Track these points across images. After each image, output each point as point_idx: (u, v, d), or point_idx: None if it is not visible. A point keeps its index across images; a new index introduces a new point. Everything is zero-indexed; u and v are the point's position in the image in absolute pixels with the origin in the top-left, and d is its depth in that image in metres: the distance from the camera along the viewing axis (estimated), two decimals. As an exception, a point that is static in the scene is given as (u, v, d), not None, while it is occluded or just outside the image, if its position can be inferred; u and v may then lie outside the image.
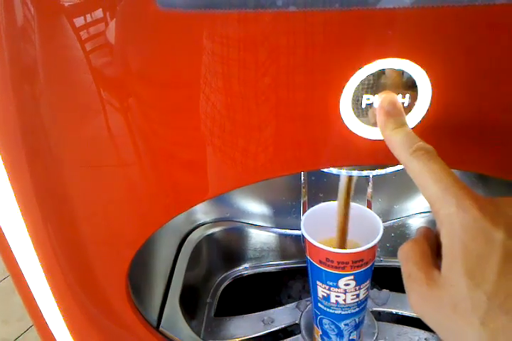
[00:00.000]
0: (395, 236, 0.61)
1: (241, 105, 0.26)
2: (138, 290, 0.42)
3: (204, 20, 0.24)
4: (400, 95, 0.26)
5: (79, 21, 0.25)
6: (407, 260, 0.25)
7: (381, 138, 0.27)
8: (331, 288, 0.40)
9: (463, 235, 0.22)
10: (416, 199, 0.61)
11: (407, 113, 0.26)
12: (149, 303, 0.46)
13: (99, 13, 0.24)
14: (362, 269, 0.38)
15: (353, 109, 0.26)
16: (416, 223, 0.62)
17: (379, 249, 0.60)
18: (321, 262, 0.38)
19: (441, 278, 0.23)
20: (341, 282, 0.39)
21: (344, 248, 0.40)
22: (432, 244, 0.26)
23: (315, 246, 0.37)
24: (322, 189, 0.53)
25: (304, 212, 0.43)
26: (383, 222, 0.40)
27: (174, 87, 0.27)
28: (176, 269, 0.55)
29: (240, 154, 0.29)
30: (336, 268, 0.38)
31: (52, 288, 0.38)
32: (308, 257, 0.40)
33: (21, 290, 0.39)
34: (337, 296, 0.40)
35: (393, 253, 0.59)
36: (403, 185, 0.59)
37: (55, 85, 0.27)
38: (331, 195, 0.40)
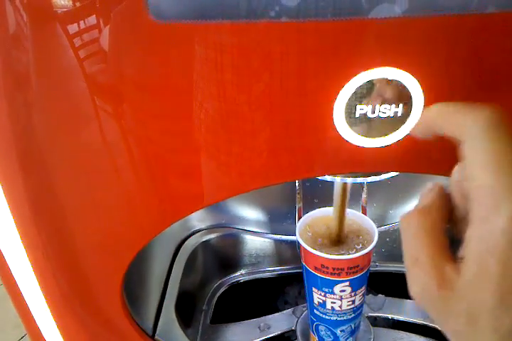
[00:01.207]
0: (390, 241, 0.61)
1: (235, 114, 0.27)
2: (133, 297, 0.41)
3: (198, 30, 0.24)
4: (394, 105, 0.26)
5: (72, 29, 0.25)
6: (413, 238, 0.20)
7: (375, 146, 0.27)
8: (327, 295, 0.40)
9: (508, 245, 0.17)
10: (410, 203, 0.61)
11: (401, 122, 0.26)
12: (144, 311, 0.46)
13: (92, 21, 0.24)
14: (357, 275, 0.38)
15: (347, 119, 0.26)
16: (411, 228, 0.62)
17: (374, 254, 0.60)
18: (316, 269, 0.38)
19: (458, 282, 0.19)
20: (337, 288, 0.39)
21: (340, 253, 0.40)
22: (444, 214, 0.21)
23: (310, 252, 0.37)
24: (317, 195, 0.53)
25: (299, 218, 0.43)
26: (378, 227, 0.41)
27: (168, 95, 0.27)
28: (171, 276, 0.54)
29: (234, 162, 0.29)
30: (332, 274, 0.38)
31: (46, 296, 0.38)
32: (304, 264, 0.40)
33: (15, 299, 0.39)
34: (333, 302, 0.40)
35: (389, 258, 0.59)
36: (398, 190, 0.59)
37: (48, 92, 0.27)
38: (326, 201, 0.40)
